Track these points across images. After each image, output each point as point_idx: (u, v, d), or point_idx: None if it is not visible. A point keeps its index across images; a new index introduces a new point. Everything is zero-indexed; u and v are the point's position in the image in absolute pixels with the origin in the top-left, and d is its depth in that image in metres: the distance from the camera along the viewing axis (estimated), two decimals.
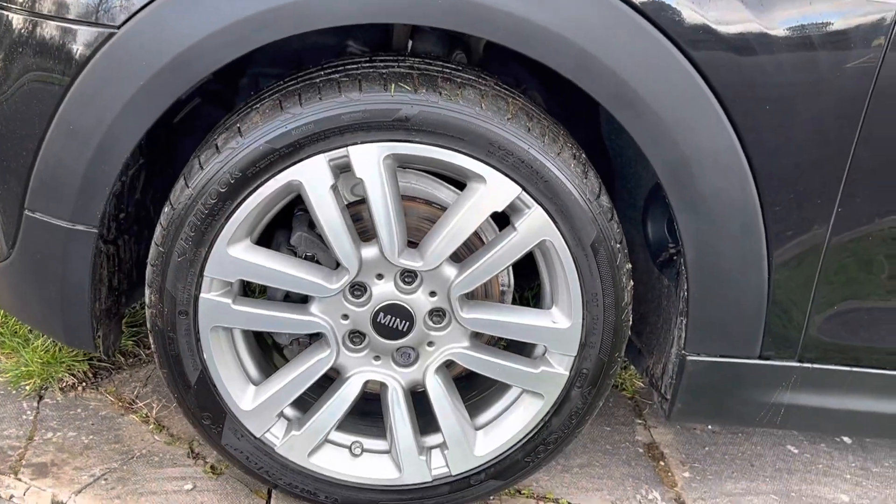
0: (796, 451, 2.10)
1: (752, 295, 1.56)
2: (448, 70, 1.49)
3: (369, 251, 1.52)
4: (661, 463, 2.02)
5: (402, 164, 1.50)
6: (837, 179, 1.49)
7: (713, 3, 1.37)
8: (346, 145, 1.43)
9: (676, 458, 2.04)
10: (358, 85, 1.43)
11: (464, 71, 1.51)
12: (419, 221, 1.61)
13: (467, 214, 1.49)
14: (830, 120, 1.45)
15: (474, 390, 1.74)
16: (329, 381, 1.66)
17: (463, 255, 1.57)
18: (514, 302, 1.75)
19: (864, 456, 2.11)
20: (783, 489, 1.97)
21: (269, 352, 1.77)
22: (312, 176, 1.44)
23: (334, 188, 1.46)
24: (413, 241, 1.54)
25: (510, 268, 1.62)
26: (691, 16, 1.37)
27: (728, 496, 1.93)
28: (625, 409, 2.19)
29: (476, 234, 1.61)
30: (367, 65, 1.49)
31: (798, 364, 1.64)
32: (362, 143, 1.43)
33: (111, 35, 1.41)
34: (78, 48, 1.43)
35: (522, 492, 1.86)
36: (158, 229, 1.50)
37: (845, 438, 2.16)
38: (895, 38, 1.40)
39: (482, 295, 1.68)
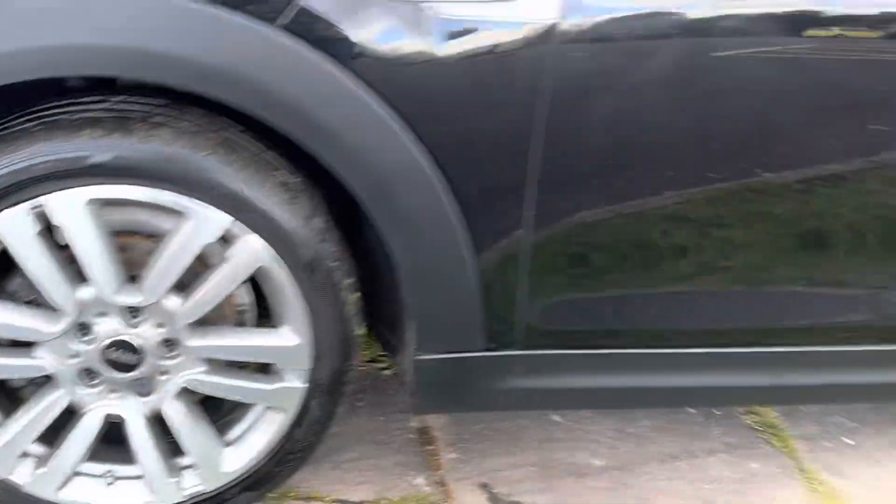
0: (560, 420, 2.25)
1: (466, 295, 1.67)
2: (145, 110, 1.52)
3: (87, 291, 1.54)
4: (431, 447, 2.13)
5: (108, 204, 1.52)
6: (530, 181, 1.60)
7: (371, 23, 1.45)
8: (42, 194, 1.45)
9: (446, 440, 2.16)
10: (50, 133, 1.45)
11: (163, 109, 1.54)
12: (143, 256, 1.64)
13: (180, 249, 1.53)
14: (511, 126, 1.55)
15: (224, 408, 1.80)
16: (73, 413, 1.69)
17: (190, 282, 1.62)
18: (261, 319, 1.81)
19: (621, 417, 2.28)
20: (544, 460, 2.12)
21: (8, 392, 1.77)
22: (14, 226, 1.46)
23: (42, 234, 1.48)
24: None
25: (249, 287, 1.68)
26: (355, 40, 1.45)
27: (490, 472, 2.06)
28: (401, 397, 2.30)
29: (203, 260, 1.65)
30: (63, 110, 1.50)
31: (520, 352, 1.76)
32: (58, 191, 1.45)
33: None
34: None
35: (290, 494, 1.94)
36: None
37: None
38: (559, 44, 1.50)
39: (218, 318, 1.73)
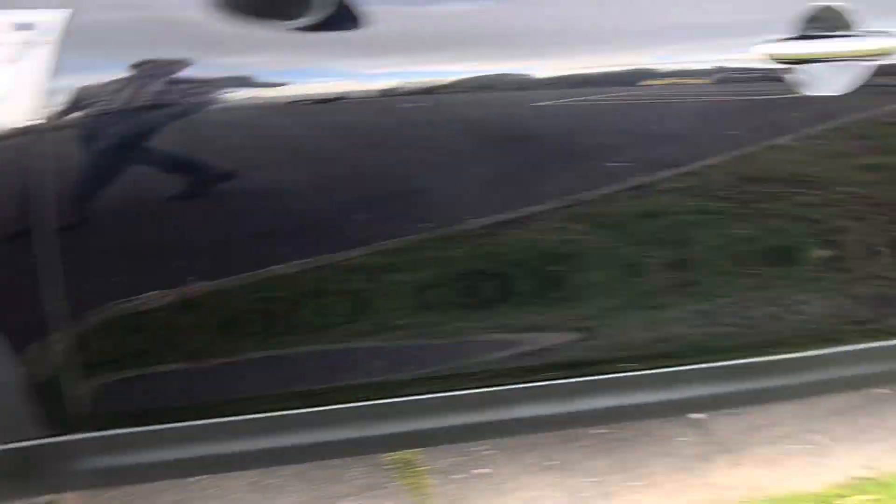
0: (196, 478, 2.30)
1: (7, 389, 1.70)
2: None
3: None
4: None
5: None
6: (49, 276, 1.63)
7: None
8: None
9: None
10: None
11: None
12: None
13: None
14: (9, 228, 1.59)
15: None
16: None
17: None
18: None
19: (261, 471, 2.34)
20: None
21: None
22: None
23: None
24: None
25: None
26: None
27: None
28: None
29: None
30: None
31: (85, 435, 1.80)
32: None
33: None
34: None
35: None
36: None
37: None
38: (45, 142, 1.56)
39: None
